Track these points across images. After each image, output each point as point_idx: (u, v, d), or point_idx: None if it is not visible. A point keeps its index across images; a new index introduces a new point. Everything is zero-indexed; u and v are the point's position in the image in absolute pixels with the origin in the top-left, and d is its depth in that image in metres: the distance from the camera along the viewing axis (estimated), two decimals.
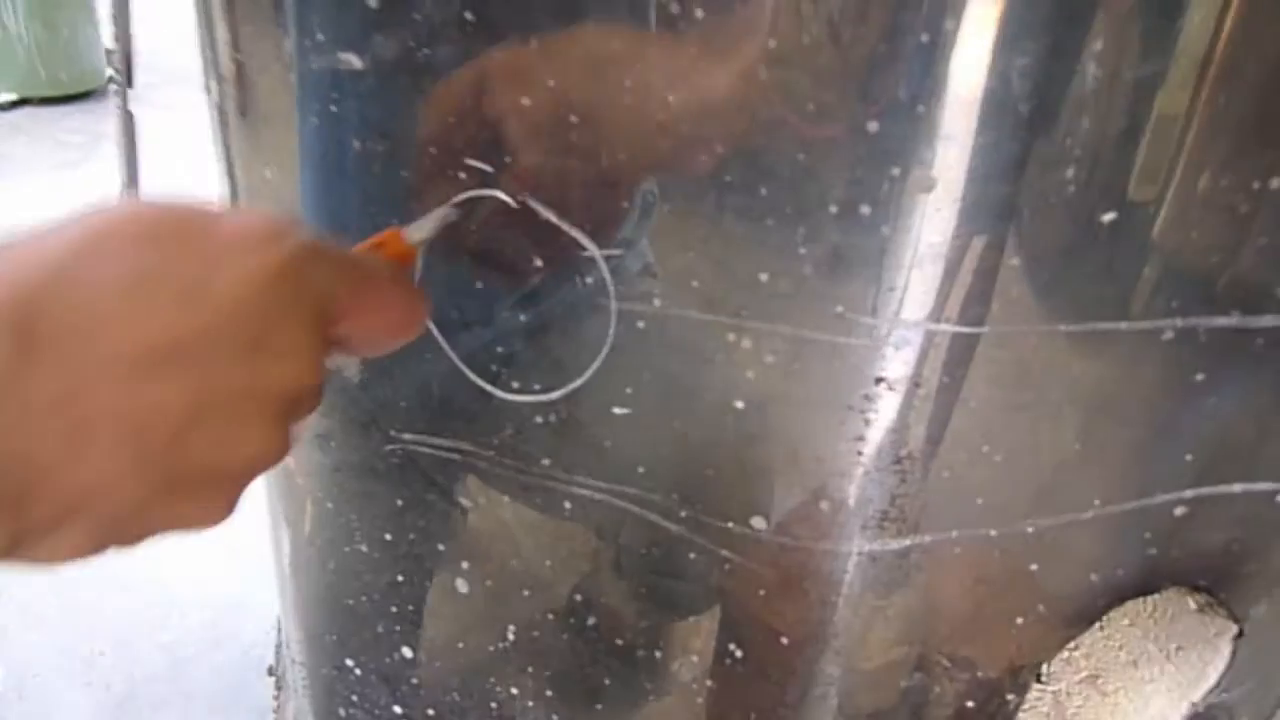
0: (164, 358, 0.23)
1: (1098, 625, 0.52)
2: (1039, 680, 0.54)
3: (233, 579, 1.25)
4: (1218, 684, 0.48)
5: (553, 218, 0.35)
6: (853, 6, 0.28)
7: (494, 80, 0.35)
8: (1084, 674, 0.53)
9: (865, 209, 0.30)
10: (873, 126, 0.29)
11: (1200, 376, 0.35)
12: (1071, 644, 0.53)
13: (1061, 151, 0.29)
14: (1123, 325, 0.32)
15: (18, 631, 1.20)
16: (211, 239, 0.25)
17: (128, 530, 0.25)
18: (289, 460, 0.52)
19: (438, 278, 0.38)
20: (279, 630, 0.79)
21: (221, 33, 0.44)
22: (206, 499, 0.25)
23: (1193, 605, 0.48)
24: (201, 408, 0.24)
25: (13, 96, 2.77)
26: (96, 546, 0.25)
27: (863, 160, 0.29)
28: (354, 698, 0.56)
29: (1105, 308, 0.32)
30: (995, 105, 0.28)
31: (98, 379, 0.23)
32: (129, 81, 0.71)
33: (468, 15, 0.34)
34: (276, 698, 0.75)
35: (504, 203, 0.36)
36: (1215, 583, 0.44)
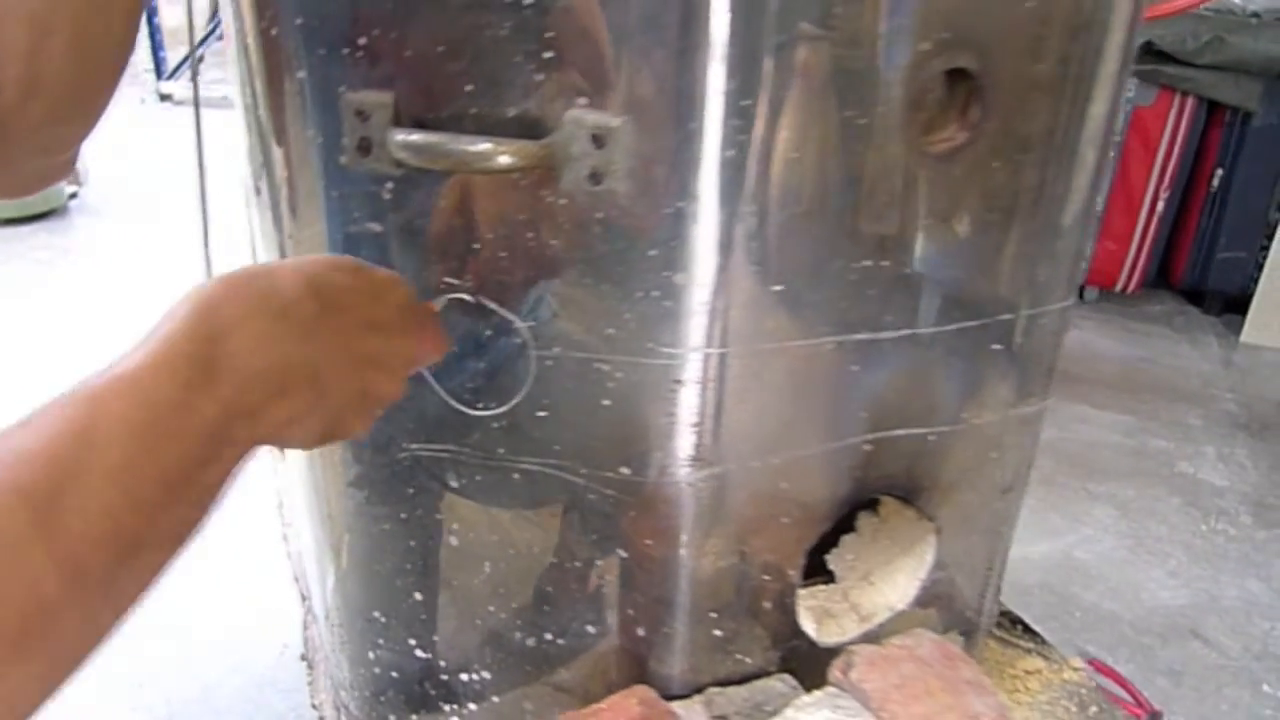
0: (374, 329, 0.50)
1: (866, 542, 0.81)
2: (832, 579, 0.82)
3: (250, 624, 1.48)
4: (933, 565, 0.76)
5: (495, 307, 0.63)
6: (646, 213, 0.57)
7: (453, 234, 0.63)
8: (859, 574, 0.81)
9: (656, 293, 0.58)
10: (652, 253, 0.57)
11: (855, 368, 0.64)
12: (852, 555, 0.81)
13: (746, 256, 0.58)
14: (799, 343, 0.61)
15: None
16: (377, 275, 0.52)
17: (334, 428, 0.48)
18: (331, 491, 0.78)
19: None
20: (304, 628, 1.03)
21: (285, 212, 0.71)
22: (365, 418, 0.51)
23: (912, 516, 0.77)
24: (382, 358, 0.51)
25: None
26: (322, 437, 0.48)
27: (652, 271, 0.58)
28: (380, 640, 0.81)
29: (792, 333, 0.61)
30: (718, 243, 0.57)
31: (348, 331, 0.48)
32: (204, 192, 0.99)
33: (442, 203, 0.62)
34: (309, 675, 0.99)
35: (465, 300, 0.64)
36: (908, 495, 0.73)
